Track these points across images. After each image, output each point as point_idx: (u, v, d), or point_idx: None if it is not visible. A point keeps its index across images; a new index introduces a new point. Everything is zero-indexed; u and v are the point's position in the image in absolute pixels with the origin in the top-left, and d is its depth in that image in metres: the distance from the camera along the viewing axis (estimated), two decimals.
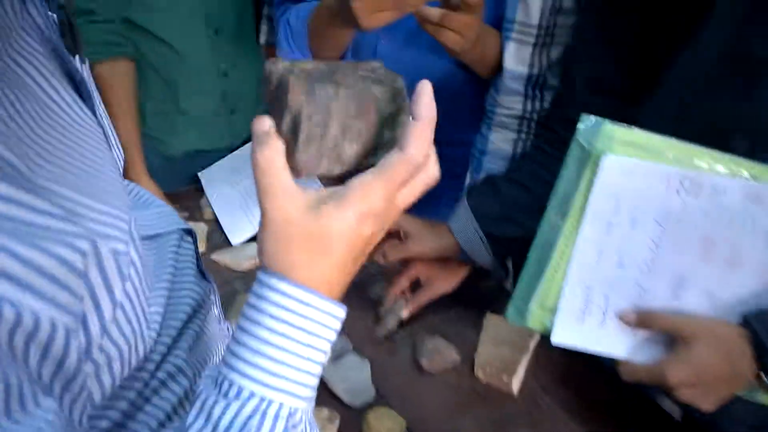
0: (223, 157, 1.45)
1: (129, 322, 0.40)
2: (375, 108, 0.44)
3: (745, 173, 0.63)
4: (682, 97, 0.70)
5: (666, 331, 0.68)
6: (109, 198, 0.40)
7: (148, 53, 1.32)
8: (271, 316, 0.40)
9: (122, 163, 0.58)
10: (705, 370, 0.65)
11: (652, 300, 0.69)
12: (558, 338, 0.71)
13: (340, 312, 0.43)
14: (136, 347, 0.43)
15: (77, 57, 0.48)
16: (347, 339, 1.00)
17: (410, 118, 0.44)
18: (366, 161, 0.45)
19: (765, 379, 0.63)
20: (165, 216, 0.62)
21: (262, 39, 1.41)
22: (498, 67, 1.02)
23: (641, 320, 0.68)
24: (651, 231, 0.66)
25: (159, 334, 0.51)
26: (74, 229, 0.34)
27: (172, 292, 0.56)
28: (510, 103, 1.03)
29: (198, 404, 0.41)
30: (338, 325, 0.43)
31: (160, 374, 0.51)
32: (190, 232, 0.64)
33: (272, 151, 0.42)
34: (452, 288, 1.05)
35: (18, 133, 0.35)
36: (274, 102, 0.44)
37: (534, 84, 1.00)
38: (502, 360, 0.93)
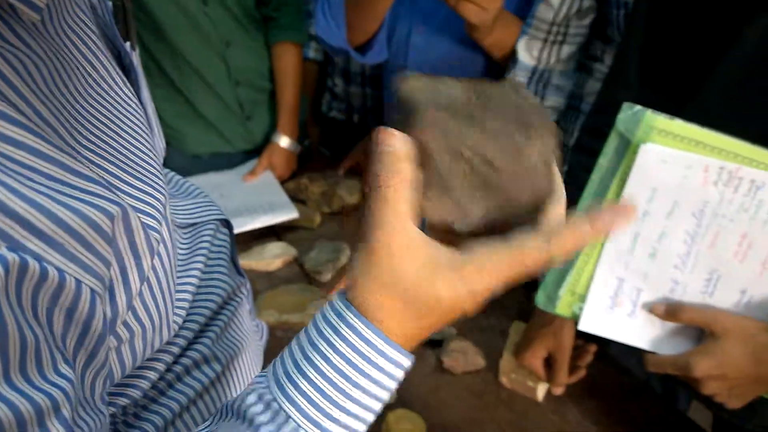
0: (243, 159, 1.49)
1: (155, 300, 0.39)
2: (520, 160, 0.36)
3: None
4: (723, 95, 0.68)
5: (696, 325, 0.65)
6: (144, 175, 0.40)
7: (160, 59, 1.36)
8: (343, 357, 0.35)
9: (164, 152, 0.57)
10: (732, 364, 0.62)
11: (684, 294, 0.66)
12: (585, 326, 0.68)
13: (408, 363, 0.38)
14: (160, 329, 0.41)
15: (128, 43, 0.48)
16: None
17: (563, 195, 0.37)
18: (494, 223, 0.38)
19: None
20: (203, 206, 0.62)
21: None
22: (512, 57, 1.00)
23: (671, 312, 0.65)
24: (687, 223, 0.63)
25: (186, 320, 0.50)
26: (107, 194, 0.33)
27: (203, 281, 0.55)
28: None
29: (242, 413, 0.36)
30: (402, 376, 0.38)
31: (185, 360, 0.50)
32: (227, 224, 0.63)
33: (403, 183, 0.35)
34: None
35: (60, 100, 0.35)
36: (401, 126, 0.37)
37: (538, 79, 0.98)
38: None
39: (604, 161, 0.67)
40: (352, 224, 1.32)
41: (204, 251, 0.55)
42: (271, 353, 0.91)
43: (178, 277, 0.49)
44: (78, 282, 0.30)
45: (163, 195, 0.40)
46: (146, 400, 0.47)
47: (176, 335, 0.49)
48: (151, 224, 0.37)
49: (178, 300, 0.48)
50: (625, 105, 0.64)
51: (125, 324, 0.37)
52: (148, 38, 1.33)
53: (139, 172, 0.39)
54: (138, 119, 0.43)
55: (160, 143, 0.53)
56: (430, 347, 0.97)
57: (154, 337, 0.41)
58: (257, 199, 1.34)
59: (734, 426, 0.83)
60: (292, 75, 1.45)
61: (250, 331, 0.60)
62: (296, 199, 1.36)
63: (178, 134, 1.46)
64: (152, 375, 0.47)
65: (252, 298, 0.66)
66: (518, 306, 1.04)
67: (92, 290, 0.31)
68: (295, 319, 1.01)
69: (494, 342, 0.97)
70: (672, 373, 0.66)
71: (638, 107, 0.62)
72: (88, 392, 0.34)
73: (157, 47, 1.34)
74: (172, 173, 0.65)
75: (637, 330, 0.68)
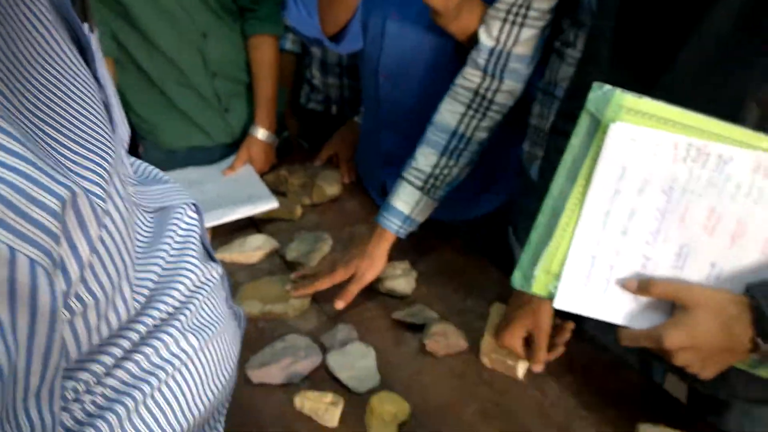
0: (222, 153, 1.48)
1: (106, 271, 0.40)
2: None
3: (754, 144, 0.62)
4: (694, 71, 0.69)
5: (666, 298, 0.67)
6: (91, 144, 0.40)
7: (133, 51, 1.34)
8: None
9: (127, 138, 0.57)
10: (702, 335, 0.63)
11: (655, 269, 0.67)
12: (561, 303, 0.70)
13: None
14: (114, 303, 0.42)
15: (86, 24, 0.48)
16: (353, 328, 0.98)
17: None
18: None
19: (762, 345, 0.61)
20: (170, 191, 0.62)
21: None
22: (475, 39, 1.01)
23: (643, 287, 0.67)
24: (657, 200, 0.65)
25: (153, 301, 0.50)
26: (55, 174, 0.33)
27: (172, 263, 0.55)
28: (469, 74, 1.00)
29: None
30: None
31: (155, 342, 0.50)
32: (196, 208, 0.63)
33: None
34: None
35: (5, 63, 0.35)
36: None
37: (495, 61, 0.98)
38: None
39: (575, 142, 0.68)
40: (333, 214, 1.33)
41: (171, 233, 0.55)
42: (254, 344, 0.92)
43: (143, 258, 0.50)
44: (31, 262, 0.30)
45: (110, 164, 0.41)
46: (116, 382, 0.47)
47: (142, 314, 0.49)
48: (96, 192, 0.38)
49: (141, 279, 0.48)
50: (595, 85, 0.65)
51: (77, 296, 0.37)
52: (121, 30, 1.31)
53: (84, 140, 0.40)
54: (87, 90, 0.43)
55: (123, 128, 0.54)
56: (412, 331, 0.98)
57: (108, 311, 0.42)
58: (237, 191, 1.34)
59: (707, 396, 0.85)
60: (269, 67, 1.44)
61: (226, 316, 0.60)
62: (276, 191, 1.36)
63: (154, 128, 1.44)
64: (117, 351, 0.46)
65: (229, 286, 0.66)
66: (497, 289, 1.05)
67: (45, 269, 0.32)
68: (278, 309, 1.02)
69: (475, 324, 0.98)
70: (645, 346, 0.68)
71: (608, 87, 0.63)
72: (37, 374, 0.33)
73: (131, 39, 1.33)
74: (138, 161, 0.65)
75: (611, 306, 0.70)
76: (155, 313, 0.50)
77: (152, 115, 1.43)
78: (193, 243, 0.59)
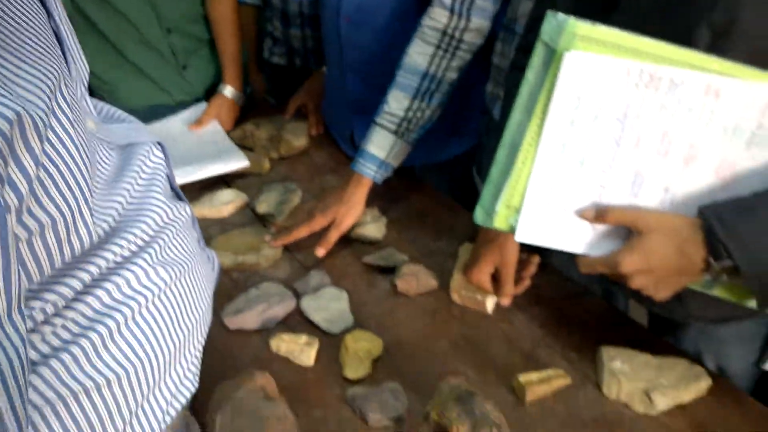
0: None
1: (60, 192, 0.40)
2: None
3: (705, 67, 0.63)
4: None
5: (622, 224, 0.68)
6: (36, 63, 0.40)
7: (86, 8, 1.31)
8: None
9: (86, 75, 0.57)
10: (656, 258, 0.65)
11: (612, 197, 0.69)
12: (522, 236, 0.71)
13: None
14: (76, 227, 0.42)
15: None
16: (325, 274, 1.00)
17: None
18: None
19: (714, 265, 0.64)
20: (135, 130, 0.62)
21: None
22: None
23: (599, 215, 0.69)
24: (612, 128, 0.66)
25: (116, 232, 0.51)
26: (2, 98, 0.33)
27: (138, 198, 0.55)
28: (437, 15, 1.00)
29: None
30: None
31: (126, 273, 0.50)
32: (161, 147, 0.63)
33: None
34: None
35: None
36: None
37: (462, 0, 0.98)
38: None
39: (531, 74, 0.68)
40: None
41: (137, 168, 0.56)
42: (226, 295, 0.93)
43: (106, 189, 0.50)
44: None
45: (53, 83, 0.41)
46: (87, 309, 0.48)
47: (109, 244, 0.49)
48: (39, 106, 0.38)
49: (104, 208, 0.49)
50: (549, 14, 0.65)
51: (31, 214, 0.38)
52: None
53: (27, 56, 0.40)
54: (33, 13, 0.43)
55: (81, 64, 0.53)
56: (384, 274, 1.00)
57: (69, 235, 0.42)
58: (206, 148, 1.32)
59: (666, 319, 0.89)
60: (230, 23, 1.41)
61: (197, 254, 0.60)
62: (243, 146, 1.35)
63: (111, 87, 1.41)
64: (85, 277, 0.47)
65: (199, 228, 0.66)
66: (466, 230, 1.07)
67: None
68: (251, 260, 1.02)
69: (445, 264, 1.00)
70: (603, 272, 0.70)
71: (561, 16, 0.64)
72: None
73: None
74: (103, 103, 0.64)
75: (570, 236, 0.72)
76: (123, 242, 0.51)
77: (110, 74, 1.40)
78: (159, 181, 0.59)
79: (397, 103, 1.03)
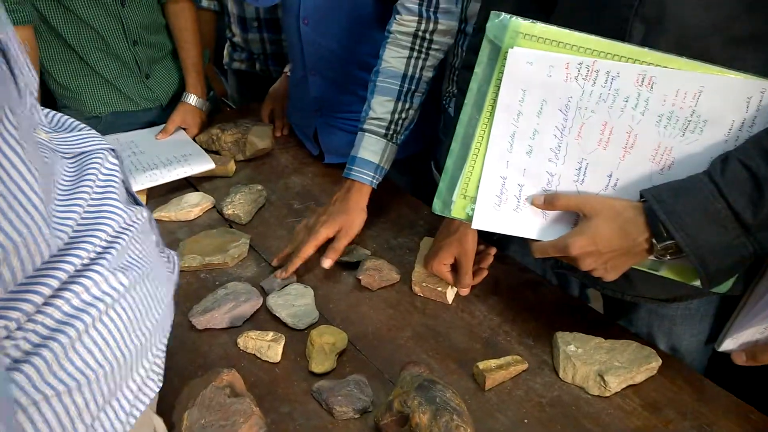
0: (147, 118, 1.45)
1: (15, 212, 0.40)
2: None
3: (639, 59, 0.65)
4: None
5: (570, 209, 0.70)
6: None
7: (51, 19, 1.29)
8: None
9: (36, 86, 0.56)
10: (603, 240, 0.67)
11: (559, 184, 0.70)
12: (478, 224, 0.73)
13: None
14: (36, 242, 0.42)
15: None
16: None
17: None
18: None
19: (656, 245, 0.66)
20: (89, 137, 0.61)
21: None
22: None
23: (548, 201, 0.70)
24: (555, 118, 0.67)
25: (75, 241, 0.50)
26: None
27: (95, 207, 0.55)
28: (405, 21, 1.02)
29: None
30: None
31: (84, 281, 0.50)
32: (115, 153, 0.63)
33: None
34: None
35: None
36: None
37: (428, 6, 1.01)
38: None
39: (479, 70, 0.70)
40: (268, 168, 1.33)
41: (92, 176, 0.55)
42: (195, 296, 0.93)
43: (64, 200, 0.50)
44: None
45: None
46: (48, 319, 0.47)
47: (68, 254, 0.49)
48: None
49: (62, 219, 0.49)
50: (493, 13, 0.67)
51: None
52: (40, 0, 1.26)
53: None
54: None
55: (30, 76, 0.52)
56: (348, 270, 1.01)
57: (31, 253, 0.42)
58: (172, 153, 1.32)
59: (618, 302, 0.91)
60: (191, 32, 1.41)
61: (155, 257, 0.60)
62: (209, 150, 1.35)
63: (75, 94, 1.39)
64: (46, 290, 0.46)
65: (157, 230, 0.66)
66: (426, 225, 1.08)
67: None
68: (218, 260, 1.02)
69: (406, 258, 1.01)
70: (554, 255, 0.72)
71: (504, 14, 0.65)
72: None
73: (50, 7, 1.27)
74: (54, 112, 0.64)
75: (523, 223, 0.74)
76: (82, 253, 0.50)
77: (74, 82, 1.38)
78: (115, 187, 0.59)
79: (381, 107, 1.04)
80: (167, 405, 0.68)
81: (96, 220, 0.54)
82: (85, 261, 0.51)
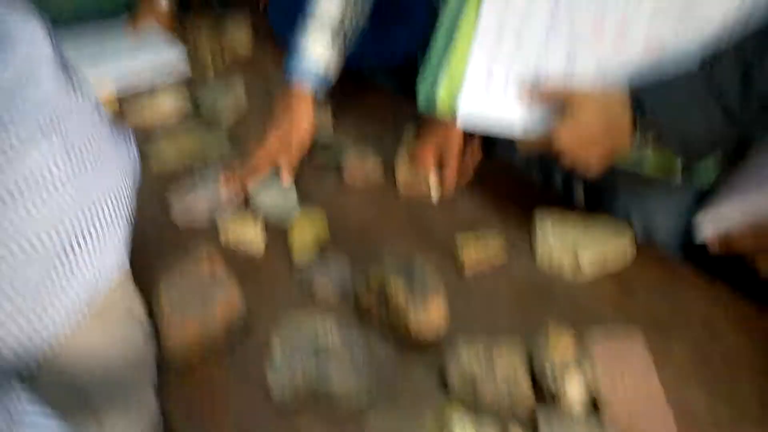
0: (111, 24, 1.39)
1: None
2: None
3: None
4: None
5: (556, 100, 0.69)
6: None
7: None
8: None
9: None
10: (588, 133, 0.66)
11: (547, 74, 0.69)
12: (463, 120, 0.71)
13: None
14: None
15: None
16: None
17: None
18: None
19: (639, 123, 0.65)
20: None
21: None
22: None
23: (536, 89, 0.69)
24: (546, 7, 0.65)
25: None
26: None
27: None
28: None
29: None
30: None
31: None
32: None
33: None
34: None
35: None
36: None
37: None
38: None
39: None
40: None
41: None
42: (176, 185, 0.90)
43: None
44: None
45: None
46: None
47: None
48: None
49: None
50: None
51: None
52: None
53: None
54: None
55: None
56: (333, 171, 0.99)
57: None
58: (142, 43, 1.29)
59: (599, 191, 0.91)
60: None
61: (105, 138, 0.58)
62: (189, 56, 1.30)
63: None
64: None
65: (104, 111, 0.62)
66: (414, 127, 1.06)
67: None
68: (200, 164, 1.00)
69: (391, 158, 0.99)
70: (540, 150, 0.70)
71: None
72: None
73: None
74: None
75: (509, 118, 0.72)
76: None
77: None
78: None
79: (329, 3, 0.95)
80: (151, 301, 0.68)
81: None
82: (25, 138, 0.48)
